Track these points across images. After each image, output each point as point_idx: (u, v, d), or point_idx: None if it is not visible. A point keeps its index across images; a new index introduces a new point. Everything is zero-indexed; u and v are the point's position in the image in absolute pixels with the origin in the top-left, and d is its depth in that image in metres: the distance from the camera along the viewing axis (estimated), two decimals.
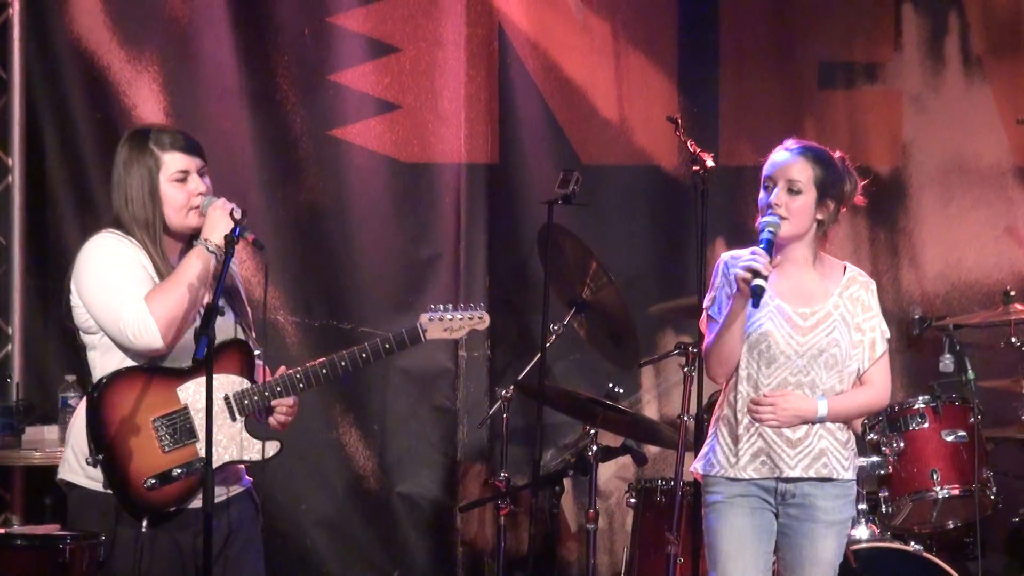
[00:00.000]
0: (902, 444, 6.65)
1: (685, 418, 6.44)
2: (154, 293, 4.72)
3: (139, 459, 4.72)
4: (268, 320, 5.07)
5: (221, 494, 4.82)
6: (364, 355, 4.90)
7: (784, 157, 5.13)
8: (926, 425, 6.68)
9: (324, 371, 4.89)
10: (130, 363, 4.78)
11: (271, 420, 4.92)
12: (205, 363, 4.53)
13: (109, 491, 4.73)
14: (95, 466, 4.71)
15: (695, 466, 5.23)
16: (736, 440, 5.09)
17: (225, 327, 4.81)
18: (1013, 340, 6.97)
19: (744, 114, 7.73)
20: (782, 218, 5.05)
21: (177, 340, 4.74)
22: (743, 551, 5.08)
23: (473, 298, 7.46)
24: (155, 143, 4.83)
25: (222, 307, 4.69)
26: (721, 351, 5.08)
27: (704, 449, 5.22)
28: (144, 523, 4.71)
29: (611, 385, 6.92)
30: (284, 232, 7.51)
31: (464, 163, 7.67)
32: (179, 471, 4.73)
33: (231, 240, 4.70)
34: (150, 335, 4.69)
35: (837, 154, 5.20)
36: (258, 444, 4.83)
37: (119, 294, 4.71)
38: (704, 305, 5.20)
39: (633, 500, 6.79)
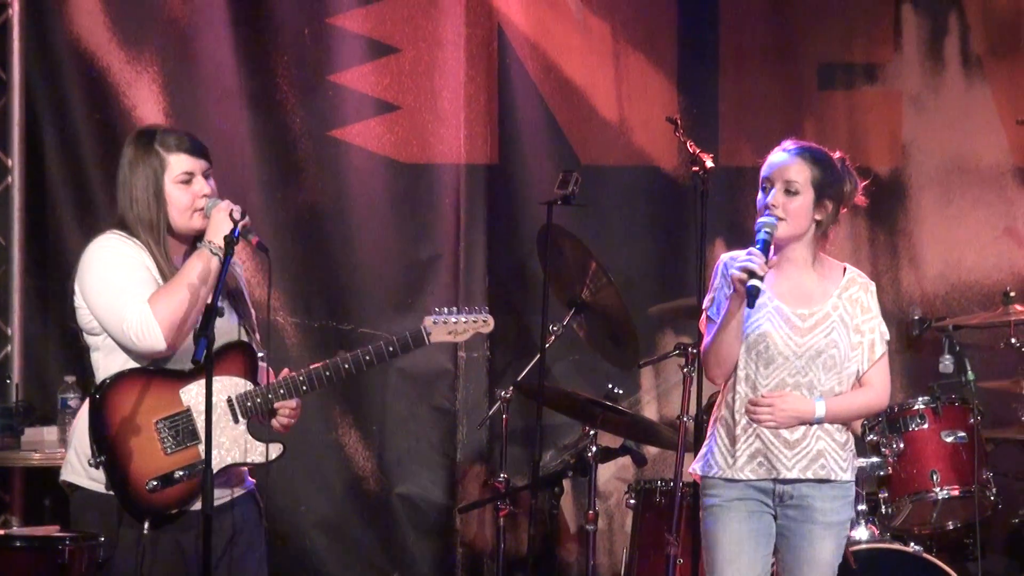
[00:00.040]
0: (902, 445, 6.65)
1: (684, 419, 6.43)
2: (158, 295, 4.71)
3: (141, 461, 4.71)
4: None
5: (224, 496, 4.83)
6: (367, 358, 4.89)
7: (782, 158, 5.13)
8: (926, 426, 6.68)
9: (327, 374, 4.88)
10: (133, 365, 4.77)
11: (274, 422, 4.91)
12: (204, 364, 4.53)
13: (111, 493, 4.72)
14: (97, 467, 4.70)
15: (693, 467, 5.23)
16: (734, 441, 5.09)
17: (229, 329, 4.82)
18: (1013, 341, 6.97)
19: (744, 115, 7.73)
20: (779, 219, 5.05)
21: (180, 342, 4.73)
22: (740, 556, 5.08)
23: (473, 298, 7.47)
24: (160, 144, 4.82)
25: (222, 307, 4.68)
26: (719, 352, 5.08)
27: (702, 450, 5.22)
28: (146, 525, 4.70)
29: (610, 386, 6.92)
30: (283, 233, 7.50)
31: (464, 164, 7.67)
32: (181, 473, 4.72)
33: (230, 241, 4.69)
34: (153, 337, 4.69)
35: (837, 154, 5.20)
36: (261, 446, 4.82)
37: (123, 295, 4.71)
38: (703, 306, 5.20)
39: (633, 501, 6.78)
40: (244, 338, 4.86)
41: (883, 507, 6.63)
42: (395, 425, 7.66)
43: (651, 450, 7.28)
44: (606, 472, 7.51)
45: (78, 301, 4.81)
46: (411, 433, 7.67)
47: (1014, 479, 7.17)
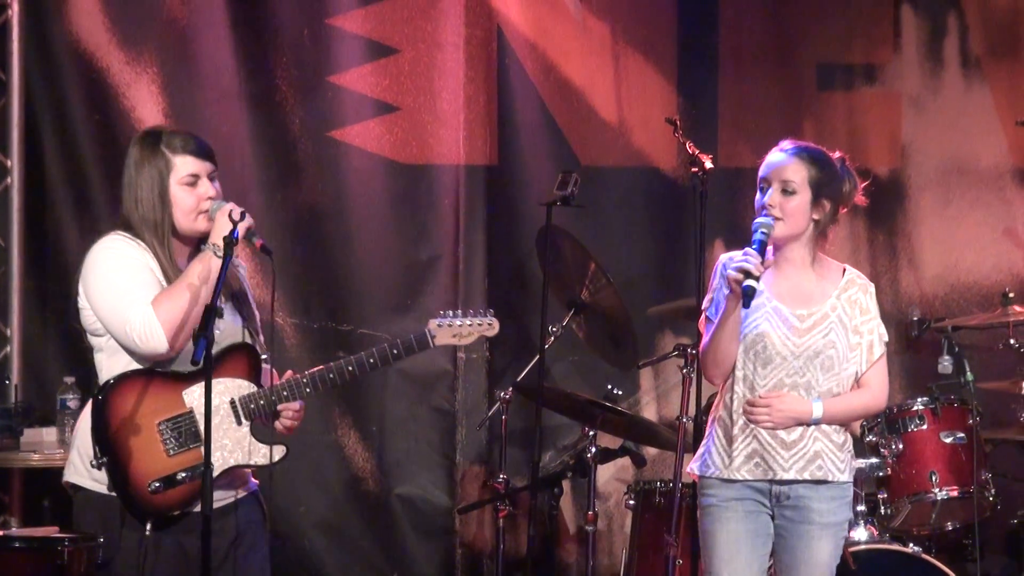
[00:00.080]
0: (901, 446, 6.64)
1: (684, 420, 6.43)
2: (161, 297, 4.71)
3: (144, 462, 4.71)
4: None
5: (228, 497, 4.83)
6: (372, 360, 4.89)
7: (779, 158, 5.12)
8: (925, 427, 6.68)
9: (331, 376, 4.88)
10: (136, 366, 4.77)
11: (277, 425, 4.91)
12: (204, 364, 4.52)
13: (113, 494, 4.71)
14: (99, 468, 4.70)
15: (691, 466, 5.23)
16: (730, 441, 5.09)
17: (232, 331, 4.82)
18: (1012, 342, 6.98)
19: (743, 116, 7.73)
20: (776, 219, 5.05)
21: (183, 344, 4.72)
22: (737, 556, 5.08)
23: (472, 299, 7.47)
24: (166, 145, 4.81)
25: (221, 308, 4.68)
26: (716, 352, 5.08)
27: (700, 450, 5.22)
28: (148, 526, 4.70)
29: (610, 387, 6.91)
30: (283, 233, 7.50)
31: (463, 165, 7.67)
32: (184, 475, 4.71)
33: (229, 242, 4.68)
34: (156, 339, 4.68)
35: (837, 154, 5.20)
36: (264, 448, 4.82)
37: (126, 297, 4.70)
38: (703, 306, 5.20)
39: (632, 502, 6.78)
40: (248, 340, 4.87)
41: (882, 508, 6.63)
42: (395, 426, 7.66)
43: (650, 451, 7.29)
44: (605, 473, 7.51)
45: (82, 302, 4.81)
46: (411, 434, 7.67)
47: (1013, 480, 7.18)
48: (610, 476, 7.62)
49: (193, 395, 4.75)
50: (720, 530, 5.09)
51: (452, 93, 7.66)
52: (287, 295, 7.52)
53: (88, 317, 4.80)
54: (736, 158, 7.47)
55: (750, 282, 4.87)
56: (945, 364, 7.17)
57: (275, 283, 5.00)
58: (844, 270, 5.20)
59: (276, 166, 7.58)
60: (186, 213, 4.80)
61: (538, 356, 6.50)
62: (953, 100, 7.73)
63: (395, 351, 4.90)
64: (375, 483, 7.64)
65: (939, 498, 6.61)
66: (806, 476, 5.06)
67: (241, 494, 4.88)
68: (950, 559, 6.69)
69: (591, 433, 6.63)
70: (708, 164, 5.97)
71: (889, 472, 6.62)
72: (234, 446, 4.79)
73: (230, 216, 4.73)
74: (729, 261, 5.03)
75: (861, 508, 6.47)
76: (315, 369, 4.89)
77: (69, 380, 6.92)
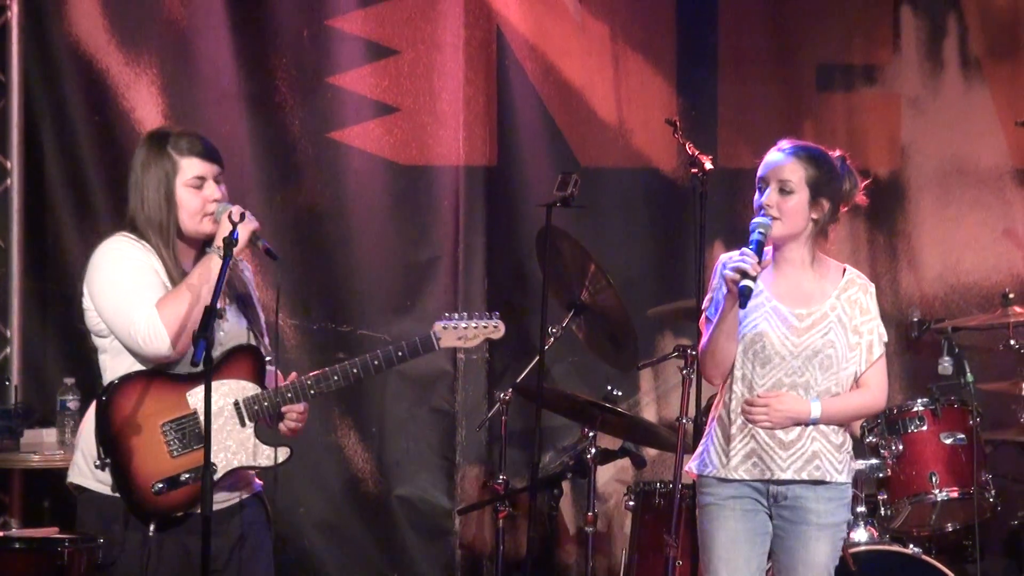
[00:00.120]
0: (901, 447, 6.64)
1: (684, 421, 6.43)
2: (165, 299, 4.70)
3: (147, 463, 4.71)
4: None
5: (232, 498, 4.84)
6: (376, 362, 4.89)
7: (777, 158, 5.12)
8: (925, 428, 6.68)
9: (335, 378, 4.88)
10: (140, 367, 4.77)
11: (281, 426, 4.91)
12: (204, 365, 4.52)
13: (117, 495, 4.71)
14: (103, 469, 4.70)
15: (690, 465, 5.23)
16: (729, 440, 5.08)
17: (237, 333, 4.83)
18: (1012, 342, 6.98)
19: (743, 116, 7.73)
20: (774, 219, 5.05)
21: (187, 347, 4.70)
22: (736, 555, 5.07)
23: (472, 300, 7.47)
24: (173, 147, 4.81)
25: (222, 309, 4.68)
26: (715, 352, 5.08)
27: (699, 449, 5.22)
28: (151, 528, 4.70)
29: (610, 388, 6.91)
30: (283, 234, 7.49)
31: (463, 165, 7.67)
32: (187, 476, 4.71)
33: (229, 243, 4.68)
34: (160, 341, 4.68)
35: (836, 153, 5.19)
36: (268, 450, 4.81)
37: (131, 299, 4.70)
38: (703, 307, 5.20)
39: (632, 503, 6.78)
40: (252, 342, 4.86)
41: (882, 509, 6.63)
42: (394, 427, 7.66)
43: (650, 452, 7.29)
44: (605, 474, 7.50)
45: (86, 303, 4.81)
46: (410, 435, 7.67)
47: (1013, 481, 7.18)
48: (610, 477, 7.61)
49: (197, 396, 4.73)
50: (719, 529, 5.09)
51: (452, 94, 7.66)
52: (287, 296, 7.52)
53: (92, 318, 4.80)
54: (736, 159, 7.47)
55: (746, 282, 4.87)
56: (945, 365, 7.16)
57: (280, 286, 4.99)
58: (844, 270, 5.20)
59: (276, 167, 7.59)
60: (191, 215, 4.80)
61: (538, 357, 6.50)
62: (953, 101, 7.73)
63: (400, 353, 4.89)
64: (375, 484, 7.64)
65: (939, 499, 6.61)
66: (804, 476, 5.05)
67: (245, 495, 4.88)
68: (950, 560, 6.69)
69: (591, 434, 6.63)
70: (708, 165, 5.98)
71: (889, 473, 6.62)
72: (238, 447, 4.79)
73: (229, 217, 4.73)
74: (728, 261, 5.03)
75: (861, 509, 6.48)
76: (320, 371, 4.89)
77: (69, 381, 6.92)
